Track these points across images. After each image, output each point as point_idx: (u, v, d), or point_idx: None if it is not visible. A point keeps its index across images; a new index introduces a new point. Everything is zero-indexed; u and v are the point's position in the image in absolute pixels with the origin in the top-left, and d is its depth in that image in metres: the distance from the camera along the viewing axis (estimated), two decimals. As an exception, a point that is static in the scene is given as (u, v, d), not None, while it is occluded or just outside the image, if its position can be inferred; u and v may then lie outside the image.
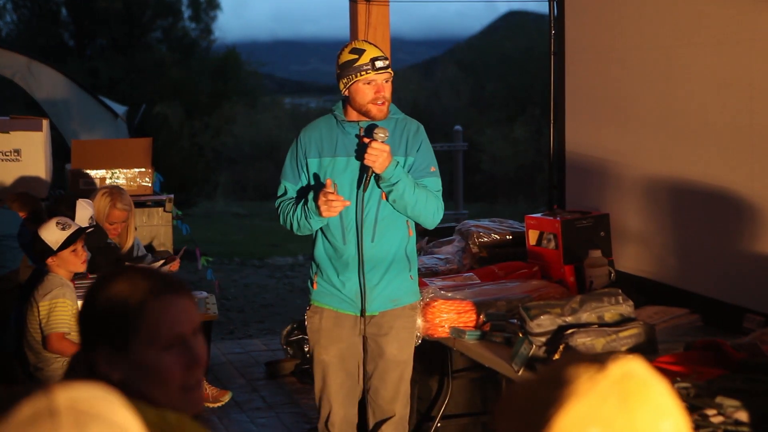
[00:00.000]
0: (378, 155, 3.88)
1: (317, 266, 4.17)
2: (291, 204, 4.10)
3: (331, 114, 4.14)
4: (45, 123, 7.11)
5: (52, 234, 4.70)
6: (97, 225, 5.47)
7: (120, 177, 7.10)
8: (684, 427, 1.32)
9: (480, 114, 26.32)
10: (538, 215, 5.10)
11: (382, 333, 4.14)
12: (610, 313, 3.83)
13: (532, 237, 5.06)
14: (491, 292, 4.57)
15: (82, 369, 1.93)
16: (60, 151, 8.24)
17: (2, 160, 6.87)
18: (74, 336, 4.67)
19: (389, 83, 4.03)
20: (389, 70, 4.01)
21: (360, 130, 4.05)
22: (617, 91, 5.08)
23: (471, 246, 5.25)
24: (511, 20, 38.30)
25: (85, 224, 5.21)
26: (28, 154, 6.87)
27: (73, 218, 5.15)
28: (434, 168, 4.13)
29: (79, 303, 4.82)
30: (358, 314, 4.11)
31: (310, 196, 3.99)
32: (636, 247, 4.95)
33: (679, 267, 4.67)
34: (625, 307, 3.88)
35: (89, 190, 6.97)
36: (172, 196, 7.31)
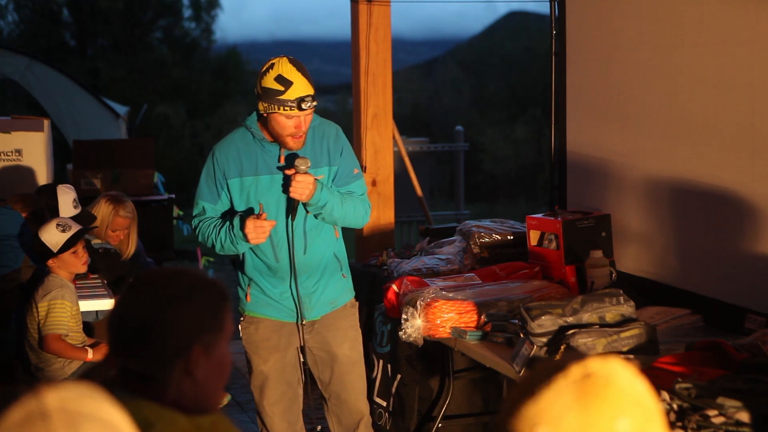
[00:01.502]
0: (304, 187, 3.81)
1: (249, 279, 4.11)
2: (213, 225, 3.98)
3: (245, 129, 4.00)
4: (46, 123, 7.11)
5: (53, 236, 4.70)
6: (84, 210, 5.48)
7: (121, 177, 7.11)
8: (647, 427, 1.31)
9: (481, 114, 26.34)
10: (539, 215, 5.10)
11: (329, 338, 4.13)
12: (611, 314, 3.83)
13: (534, 237, 5.06)
14: (492, 292, 4.56)
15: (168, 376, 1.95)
16: (61, 151, 8.25)
17: (3, 160, 6.87)
18: (72, 338, 4.67)
19: (311, 114, 3.89)
20: (313, 104, 3.85)
21: (281, 158, 3.94)
22: (618, 91, 5.08)
23: (472, 246, 5.25)
24: (512, 20, 38.31)
25: (70, 208, 5.23)
26: (29, 154, 6.88)
27: (56, 207, 5.15)
28: (357, 170, 4.08)
29: (81, 303, 4.85)
30: (298, 321, 4.08)
31: (236, 222, 3.89)
32: (637, 248, 4.95)
33: (680, 267, 4.67)
34: (627, 308, 3.88)
35: (90, 190, 6.98)
36: (173, 196, 7.31)
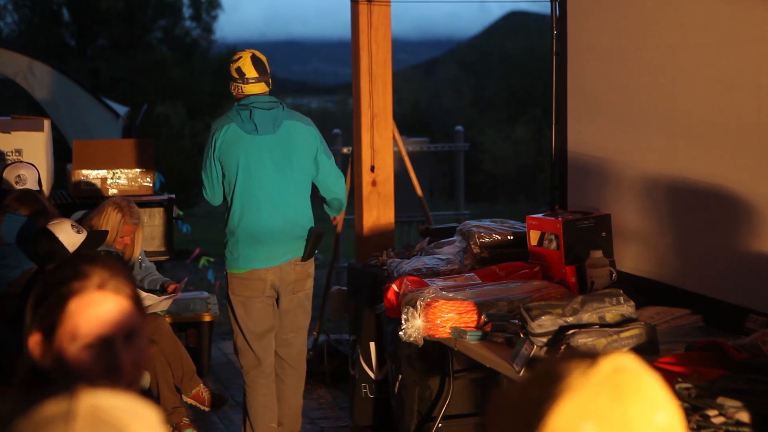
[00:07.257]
0: None
1: None
2: None
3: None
4: (46, 123, 7.11)
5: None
6: (91, 232, 5.45)
7: (121, 177, 7.10)
8: (678, 420, 1.32)
9: (481, 114, 26.34)
10: (540, 215, 5.09)
11: None
12: (611, 314, 3.83)
13: (534, 237, 5.06)
14: (492, 292, 4.56)
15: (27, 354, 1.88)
16: (61, 151, 8.24)
17: (3, 160, 6.86)
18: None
19: None
20: None
21: None
22: (620, 91, 5.07)
23: (472, 246, 5.24)
24: (512, 20, 38.33)
25: (72, 239, 5.17)
26: (29, 154, 6.87)
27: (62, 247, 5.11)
28: None
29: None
30: None
31: None
32: (637, 248, 4.95)
33: (680, 267, 4.66)
34: (627, 308, 3.88)
35: (90, 190, 6.98)
36: (173, 196, 7.31)
